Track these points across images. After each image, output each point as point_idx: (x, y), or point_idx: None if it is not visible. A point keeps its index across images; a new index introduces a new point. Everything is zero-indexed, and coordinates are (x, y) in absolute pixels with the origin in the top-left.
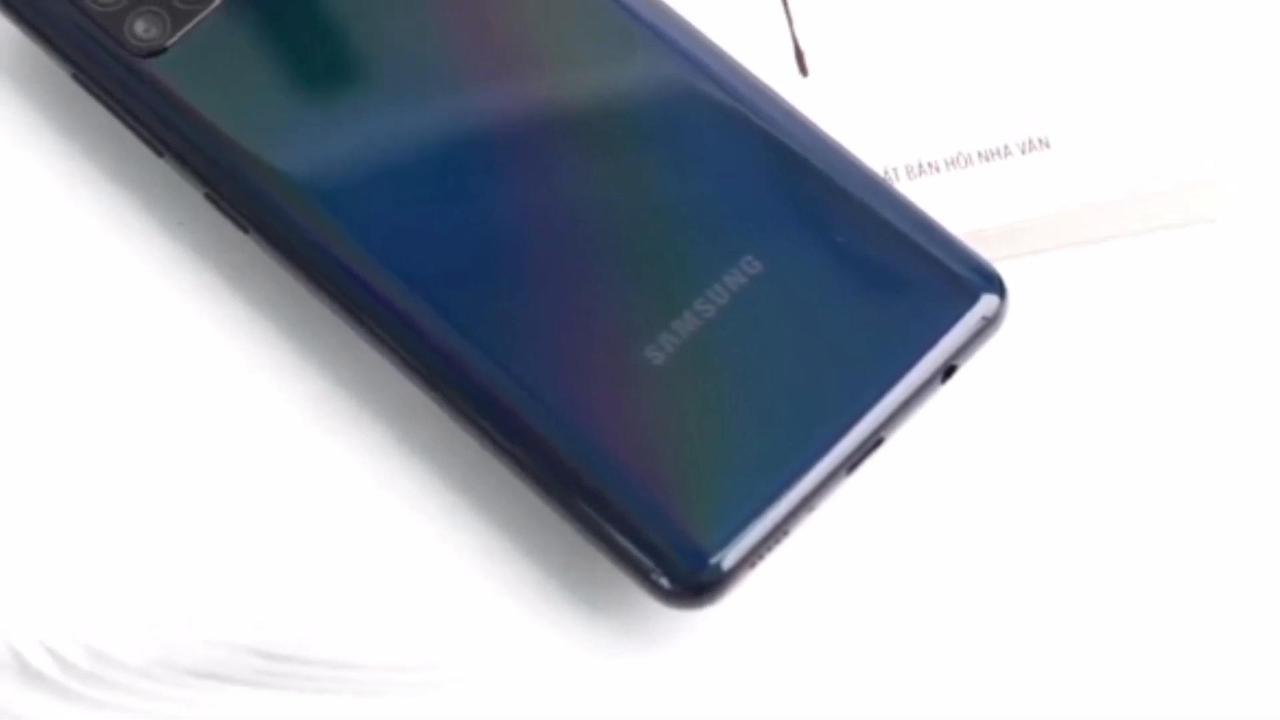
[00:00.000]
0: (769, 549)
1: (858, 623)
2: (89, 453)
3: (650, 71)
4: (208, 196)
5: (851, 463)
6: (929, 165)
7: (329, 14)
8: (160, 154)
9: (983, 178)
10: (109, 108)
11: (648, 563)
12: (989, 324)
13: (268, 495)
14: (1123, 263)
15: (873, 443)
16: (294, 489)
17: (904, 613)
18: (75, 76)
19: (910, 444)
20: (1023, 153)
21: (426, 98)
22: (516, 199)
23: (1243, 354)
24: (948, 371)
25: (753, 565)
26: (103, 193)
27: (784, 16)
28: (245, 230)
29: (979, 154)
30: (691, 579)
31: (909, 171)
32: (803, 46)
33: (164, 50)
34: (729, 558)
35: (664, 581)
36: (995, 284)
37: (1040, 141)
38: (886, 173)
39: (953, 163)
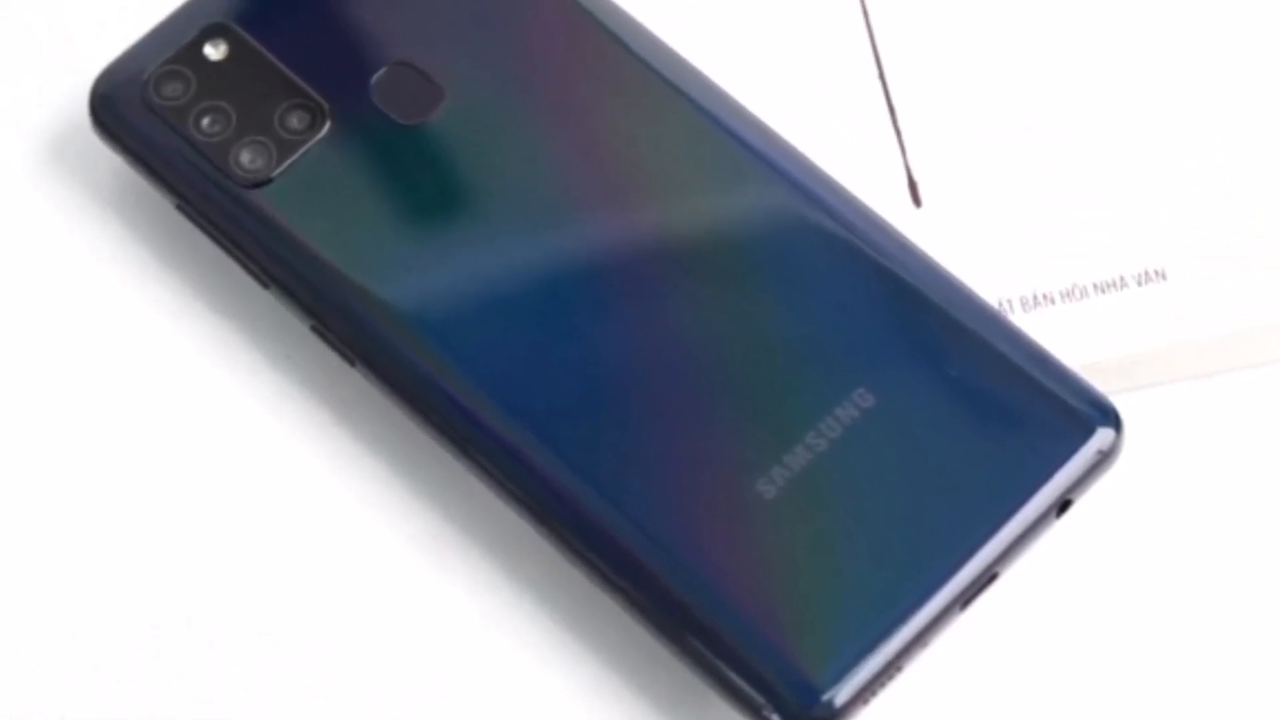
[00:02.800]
0: (882, 685)
1: None
2: (198, 595)
3: (763, 202)
4: (314, 329)
5: (965, 598)
6: (1044, 297)
7: (435, 144)
8: (266, 286)
9: (1098, 310)
10: (214, 239)
11: (759, 699)
12: (1105, 458)
13: (377, 631)
14: (1240, 396)
15: (987, 578)
16: (403, 625)
17: None
18: (179, 207)
19: (1025, 579)
20: (1139, 284)
21: (535, 229)
22: (627, 331)
23: None
24: (1063, 506)
25: (865, 702)
26: (207, 325)
27: (897, 147)
28: (352, 363)
29: (1094, 286)
30: (804, 716)
31: (1024, 303)
32: (916, 177)
33: (269, 181)
34: (841, 694)
35: (776, 718)
36: (1111, 417)
37: (1156, 273)
38: (1001, 305)
39: (1068, 294)
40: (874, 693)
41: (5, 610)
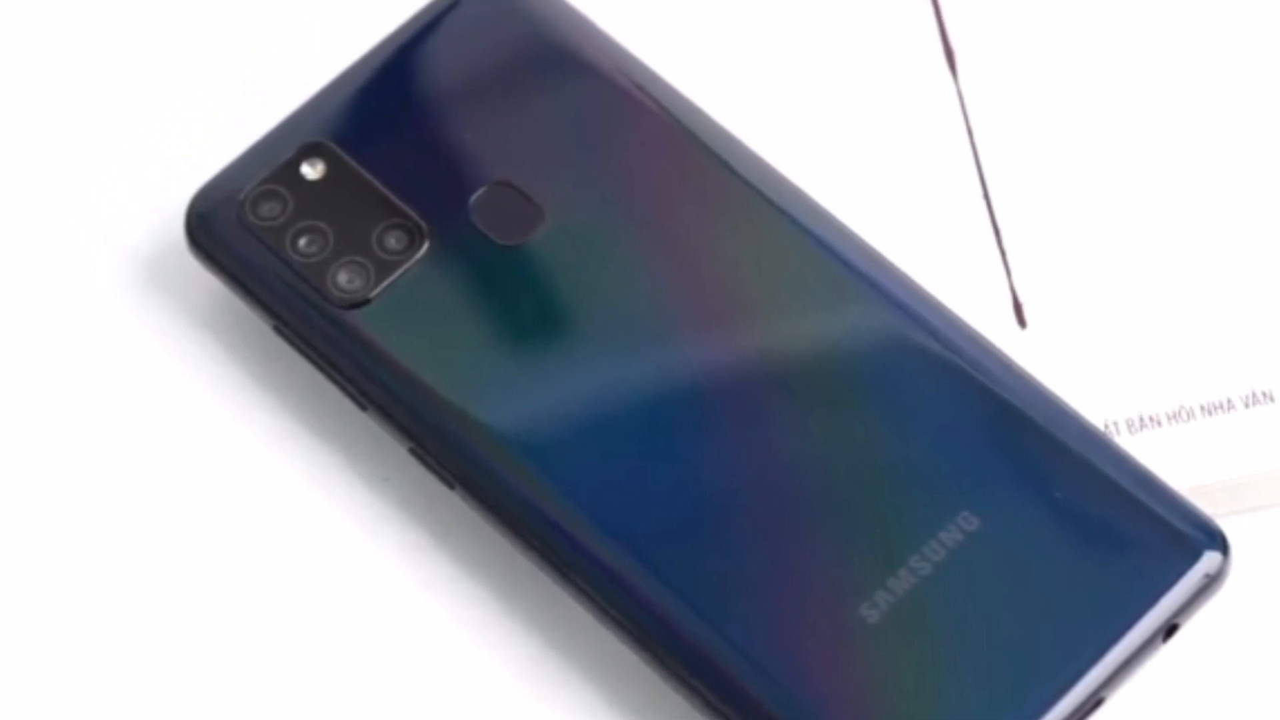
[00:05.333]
0: None
1: None
2: None
3: (866, 323)
4: (412, 451)
5: None
6: (1150, 419)
7: (533, 265)
8: (364, 408)
9: (1205, 432)
10: (311, 360)
11: None
12: (1212, 582)
13: None
14: None
15: (1093, 703)
16: None
17: None
18: (277, 329)
19: (1131, 705)
20: (1246, 406)
21: (635, 350)
22: (729, 454)
23: None
24: (1169, 630)
25: None
26: (305, 447)
27: (1002, 268)
28: (451, 486)
29: (1201, 407)
30: None
31: (1130, 425)
32: (1021, 298)
33: (367, 302)
34: None
35: None
36: (1218, 541)
37: (1264, 395)
38: (1106, 427)
39: (1175, 416)
40: None
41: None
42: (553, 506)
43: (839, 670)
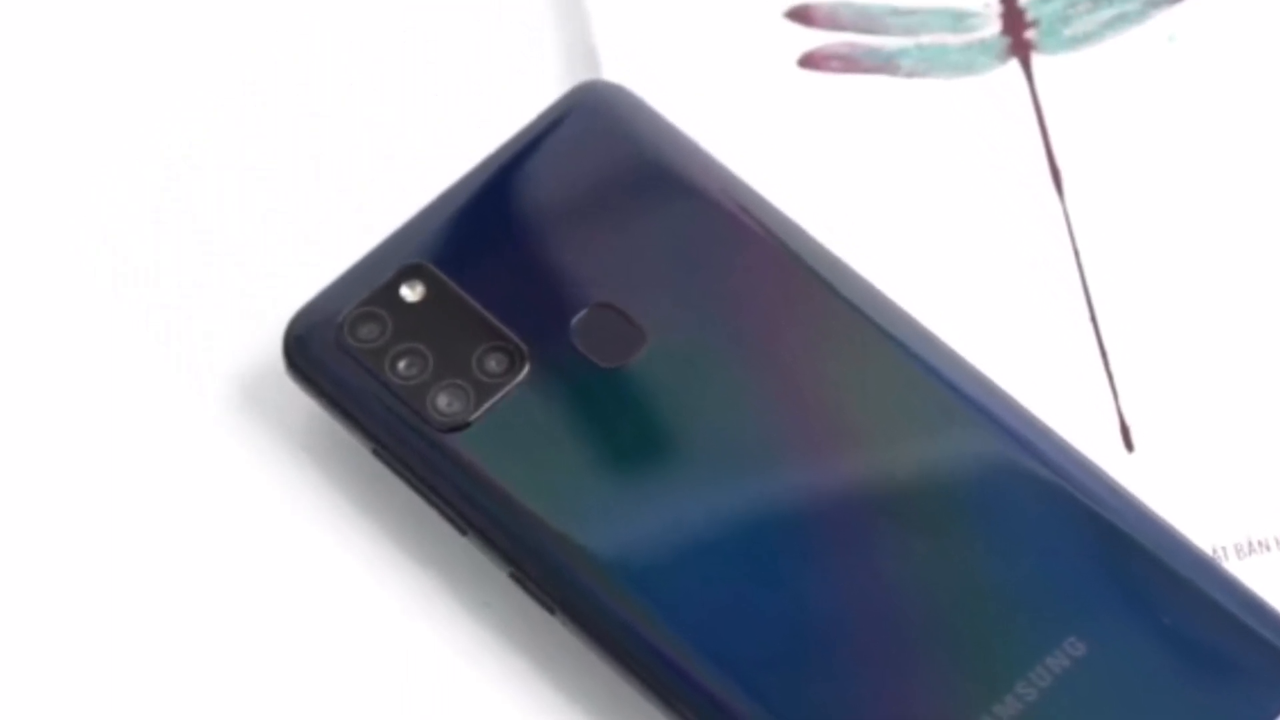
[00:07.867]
0: None
1: None
2: None
3: (972, 447)
4: (513, 576)
5: None
6: (1259, 544)
7: (635, 388)
8: (464, 532)
9: None
10: (410, 484)
11: None
12: None
13: None
14: None
15: None
16: None
17: None
18: (375, 452)
19: None
20: None
21: (738, 475)
22: (833, 578)
23: None
24: None
25: None
26: (405, 572)
27: (1109, 391)
28: (552, 611)
29: None
30: None
31: (1238, 550)
32: (1128, 421)
33: (467, 425)
34: None
35: None
36: None
37: None
38: (1215, 551)
39: None
40: None
41: None
42: (655, 632)
43: None
